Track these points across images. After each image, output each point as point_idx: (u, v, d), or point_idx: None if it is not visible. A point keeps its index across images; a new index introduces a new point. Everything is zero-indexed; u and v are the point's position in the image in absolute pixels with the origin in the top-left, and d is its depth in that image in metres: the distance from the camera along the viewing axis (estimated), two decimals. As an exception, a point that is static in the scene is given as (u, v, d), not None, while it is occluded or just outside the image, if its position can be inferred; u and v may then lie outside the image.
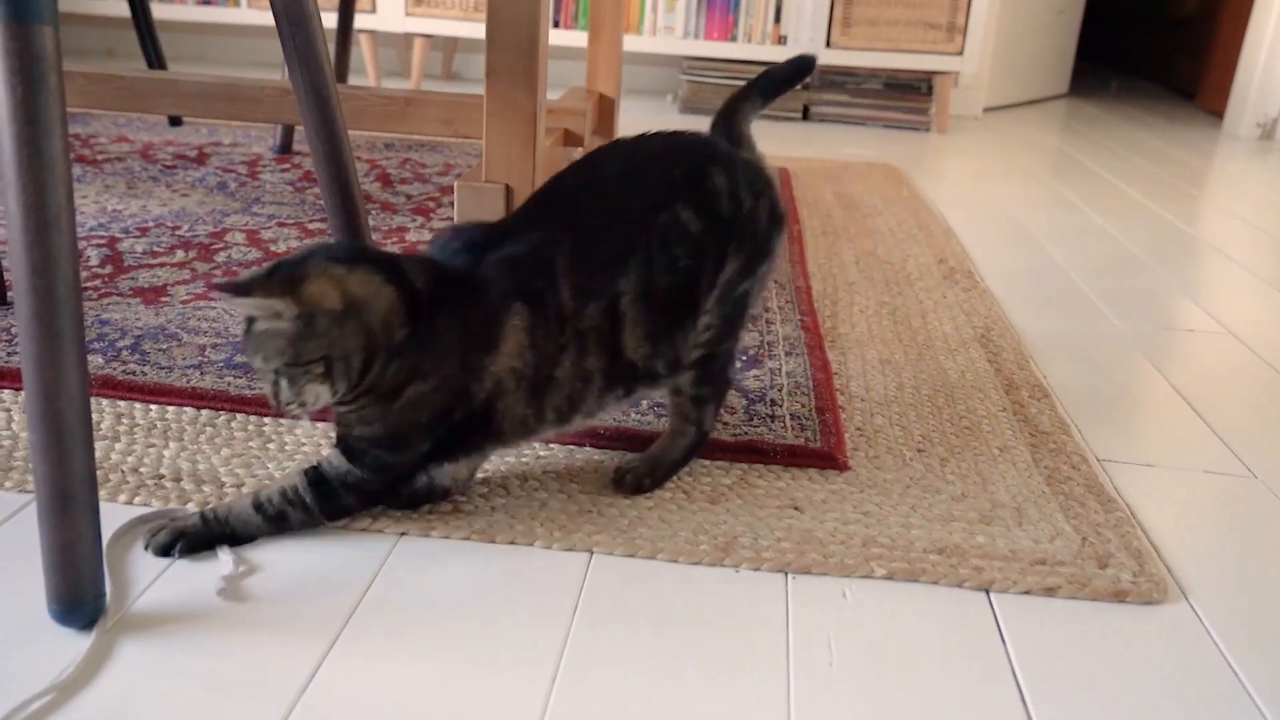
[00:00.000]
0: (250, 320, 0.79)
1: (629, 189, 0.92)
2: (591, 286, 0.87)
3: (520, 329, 0.84)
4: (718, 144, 1.00)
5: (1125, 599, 0.85)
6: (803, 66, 1.09)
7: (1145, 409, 1.24)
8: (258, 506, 0.85)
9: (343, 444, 0.86)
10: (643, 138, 0.98)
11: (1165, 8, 4.58)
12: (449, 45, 3.81)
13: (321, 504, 0.86)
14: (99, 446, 0.98)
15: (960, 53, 3.18)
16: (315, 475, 0.86)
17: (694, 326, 0.94)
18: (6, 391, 1.08)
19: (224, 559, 0.82)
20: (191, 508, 0.90)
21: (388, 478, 0.87)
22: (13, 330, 1.22)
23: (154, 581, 0.81)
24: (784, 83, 1.09)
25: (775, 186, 1.01)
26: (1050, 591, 0.85)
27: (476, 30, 3.29)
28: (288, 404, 0.80)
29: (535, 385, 0.86)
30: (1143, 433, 1.17)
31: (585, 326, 0.87)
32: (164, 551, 0.83)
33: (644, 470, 0.97)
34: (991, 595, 0.85)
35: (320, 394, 0.81)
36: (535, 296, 0.85)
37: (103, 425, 1.03)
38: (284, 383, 0.79)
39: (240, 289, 0.76)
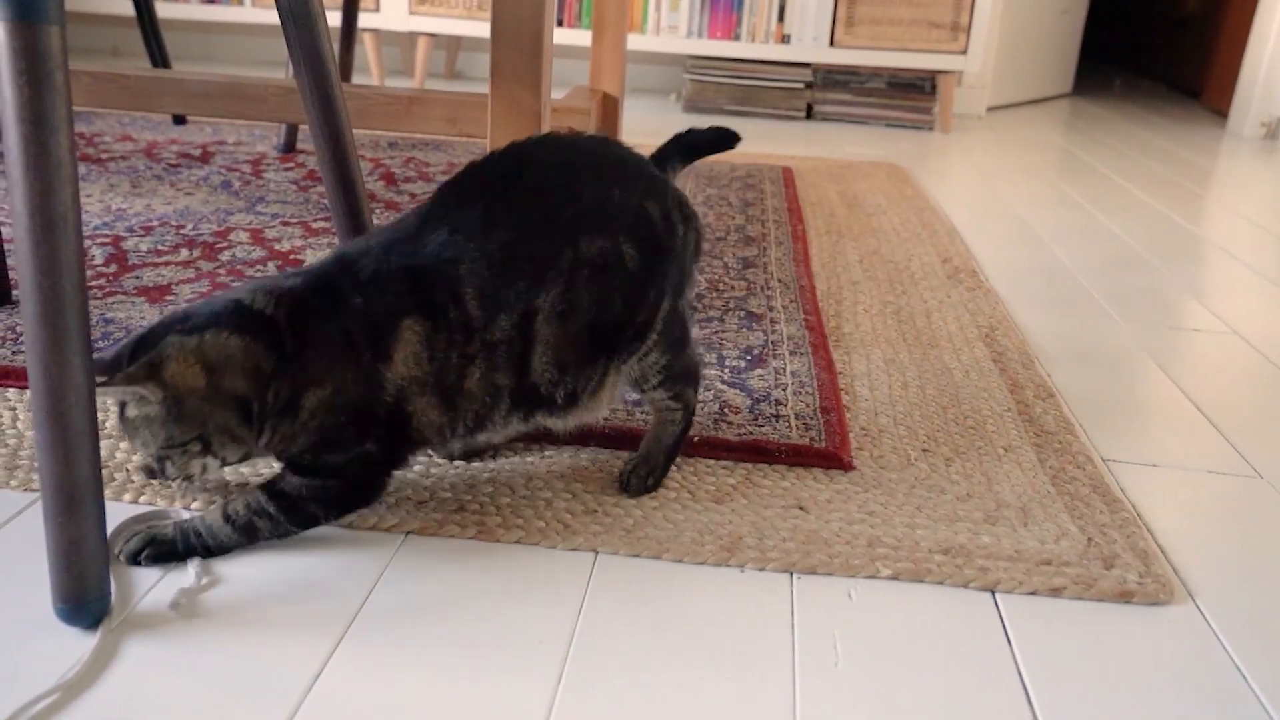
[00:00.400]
0: (121, 405, 0.79)
1: (558, 200, 0.88)
2: (502, 297, 0.84)
3: (415, 342, 0.82)
4: (649, 165, 0.97)
5: (1131, 600, 0.85)
6: (726, 138, 1.07)
7: (1150, 409, 1.24)
8: (227, 518, 0.83)
9: (291, 465, 0.84)
10: (575, 143, 0.93)
11: (1169, 6, 4.58)
12: (452, 44, 3.81)
13: (286, 514, 0.84)
14: (104, 445, 0.98)
15: (964, 52, 3.17)
16: (273, 489, 0.84)
17: (614, 367, 0.92)
18: (11, 390, 1.08)
19: (190, 571, 0.81)
20: (196, 507, 0.90)
21: (346, 481, 0.85)
22: (18, 329, 1.22)
23: (159, 581, 0.81)
24: (705, 149, 1.07)
25: (691, 208, 0.98)
26: (1056, 592, 0.85)
27: (480, 29, 3.29)
28: (174, 479, 0.80)
29: (446, 394, 0.84)
30: (1148, 433, 1.17)
31: (496, 339, 0.84)
32: (133, 559, 0.83)
33: (644, 470, 0.97)
34: (997, 595, 0.85)
35: (207, 465, 0.81)
36: (434, 309, 0.83)
37: (108, 424, 1.03)
38: (167, 463, 0.79)
39: (101, 374, 0.76)
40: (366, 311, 0.82)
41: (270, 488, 0.84)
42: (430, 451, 0.93)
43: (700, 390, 1.02)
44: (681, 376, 0.97)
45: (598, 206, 0.88)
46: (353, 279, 0.83)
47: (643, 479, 0.96)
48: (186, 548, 0.83)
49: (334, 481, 0.84)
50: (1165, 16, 4.62)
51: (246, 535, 0.84)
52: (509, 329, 0.84)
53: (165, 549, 0.83)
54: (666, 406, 0.97)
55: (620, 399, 0.96)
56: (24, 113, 0.68)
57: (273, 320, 0.80)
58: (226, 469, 0.91)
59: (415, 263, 0.84)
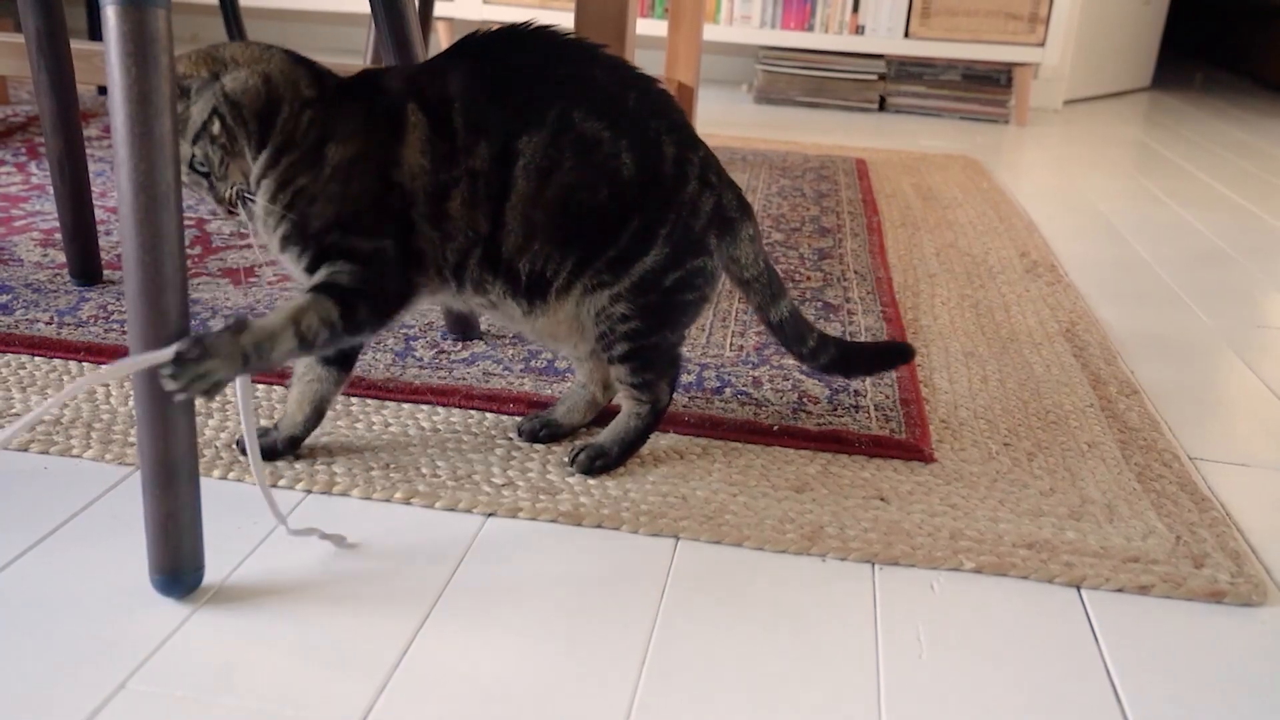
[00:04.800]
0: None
1: (563, 68, 0.91)
2: (484, 120, 0.87)
3: (418, 125, 0.86)
4: (681, 113, 0.94)
5: (1223, 600, 0.83)
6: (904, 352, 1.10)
7: (1238, 408, 1.21)
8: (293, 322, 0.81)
9: (324, 254, 0.84)
10: (607, 55, 0.95)
11: (1255, -2, 4.46)
12: (524, 34, 3.82)
13: (341, 309, 0.82)
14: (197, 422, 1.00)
15: (1042, 44, 3.12)
16: (324, 284, 0.83)
17: (582, 284, 0.90)
18: (104, 367, 1.10)
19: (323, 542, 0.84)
20: (284, 483, 0.91)
21: (376, 271, 0.84)
22: (109, 308, 1.25)
23: (252, 553, 0.82)
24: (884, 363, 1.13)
25: (733, 190, 0.95)
26: (1144, 590, 0.83)
27: (552, 19, 3.29)
28: (218, 193, 0.86)
29: (435, 211, 0.86)
30: (1236, 432, 1.14)
31: (477, 167, 0.86)
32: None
33: (595, 451, 0.96)
34: (1083, 592, 0.83)
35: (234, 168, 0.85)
36: (429, 104, 0.87)
37: (198, 402, 1.05)
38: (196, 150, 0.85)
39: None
40: (384, 96, 0.88)
41: (320, 285, 0.83)
42: (431, 296, 0.92)
43: (673, 393, 0.99)
44: (655, 363, 0.95)
45: (604, 93, 0.90)
46: (376, 85, 0.89)
47: (590, 459, 0.95)
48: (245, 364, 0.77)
49: (368, 271, 0.84)
50: (1252, 8, 4.50)
51: (302, 344, 0.81)
52: (488, 160, 0.86)
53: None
54: (632, 395, 0.96)
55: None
56: (131, 93, 0.70)
57: (325, 74, 0.88)
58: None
59: (413, 70, 0.93)
